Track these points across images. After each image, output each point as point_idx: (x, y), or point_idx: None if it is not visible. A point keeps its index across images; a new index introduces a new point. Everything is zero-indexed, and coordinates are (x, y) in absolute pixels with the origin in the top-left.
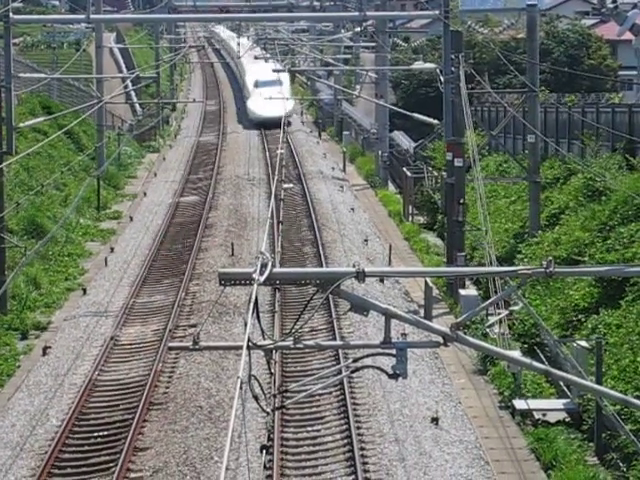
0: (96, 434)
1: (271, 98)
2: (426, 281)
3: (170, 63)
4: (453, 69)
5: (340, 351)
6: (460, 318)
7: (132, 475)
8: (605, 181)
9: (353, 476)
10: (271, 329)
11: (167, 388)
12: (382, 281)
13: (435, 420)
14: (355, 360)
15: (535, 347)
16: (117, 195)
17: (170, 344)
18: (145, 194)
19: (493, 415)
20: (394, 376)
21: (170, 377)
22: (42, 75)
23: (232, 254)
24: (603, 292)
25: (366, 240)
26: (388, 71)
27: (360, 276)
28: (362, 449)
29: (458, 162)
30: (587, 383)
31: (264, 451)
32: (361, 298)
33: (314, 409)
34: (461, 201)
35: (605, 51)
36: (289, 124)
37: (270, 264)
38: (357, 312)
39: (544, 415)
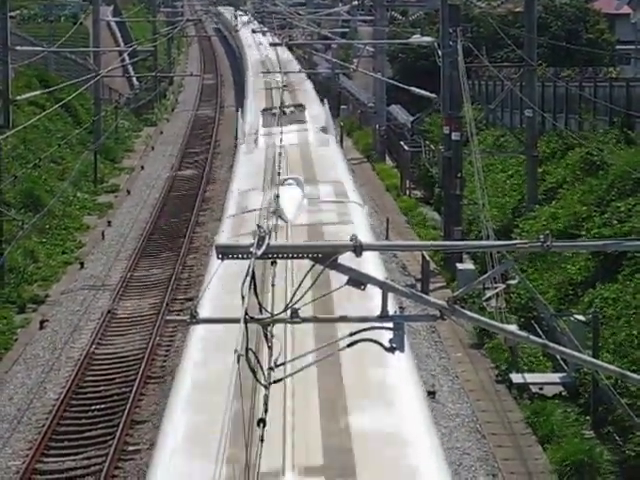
0: (93, 407)
1: None
2: (423, 255)
3: (167, 37)
4: (451, 43)
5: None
6: (457, 292)
7: (130, 448)
8: (602, 155)
9: None
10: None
11: (164, 362)
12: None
13: (432, 394)
14: (352, 333)
15: (532, 321)
16: (114, 168)
17: (167, 317)
18: (142, 167)
19: (490, 389)
20: (391, 350)
21: (167, 350)
22: (39, 48)
23: None
24: (600, 266)
25: None
26: (386, 45)
27: (358, 250)
28: None
29: (455, 136)
30: (584, 357)
31: (261, 424)
32: (358, 272)
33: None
34: (458, 175)
35: (603, 25)
36: None
37: (267, 237)
38: (354, 286)
39: (541, 389)
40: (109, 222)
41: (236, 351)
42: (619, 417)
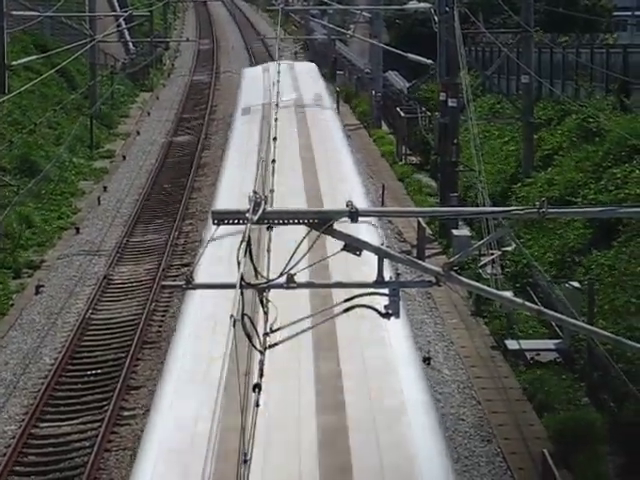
0: (89, 373)
1: None
2: (419, 221)
3: (164, 2)
4: (447, 9)
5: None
6: (453, 258)
7: (125, 413)
8: (599, 122)
9: None
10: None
11: (160, 327)
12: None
13: (427, 360)
14: (347, 299)
15: (528, 288)
16: (110, 134)
17: (163, 283)
18: (138, 133)
19: (485, 355)
20: (386, 316)
21: (163, 316)
22: (35, 13)
23: None
24: (596, 233)
25: None
26: (382, 11)
27: (353, 216)
28: None
29: (452, 102)
30: (579, 323)
31: (256, 390)
32: (354, 238)
33: None
34: (454, 141)
35: None
36: None
37: (263, 203)
38: (350, 252)
39: (536, 355)
40: (105, 187)
41: (232, 316)
42: (614, 383)
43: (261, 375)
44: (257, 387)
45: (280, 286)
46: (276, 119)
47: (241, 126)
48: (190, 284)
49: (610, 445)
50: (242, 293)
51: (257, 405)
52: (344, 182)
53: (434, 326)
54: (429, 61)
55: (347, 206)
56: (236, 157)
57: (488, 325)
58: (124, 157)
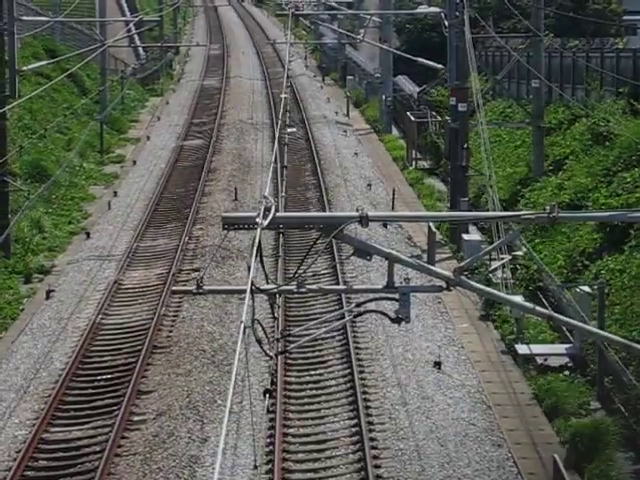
0: (100, 377)
1: None
2: (429, 226)
3: (174, 7)
4: (457, 13)
5: (343, 296)
6: (463, 263)
7: (135, 418)
8: (609, 126)
9: (356, 420)
10: (274, 273)
11: (170, 332)
12: (385, 226)
13: (438, 364)
14: (358, 304)
15: (538, 292)
16: (120, 139)
17: (173, 288)
18: (148, 138)
19: (495, 360)
20: (397, 320)
21: (173, 321)
22: (45, 18)
23: (235, 198)
24: (607, 237)
25: (369, 185)
26: (392, 15)
27: (363, 221)
28: (365, 393)
29: (462, 107)
30: (589, 327)
31: (267, 395)
32: (364, 242)
33: (317, 353)
34: (464, 146)
35: None
36: None
37: (273, 208)
38: (360, 256)
39: (546, 360)
40: (115, 192)
41: (242, 322)
42: (625, 388)
43: (272, 381)
44: (268, 392)
45: (291, 291)
46: None
47: None
48: (200, 289)
49: (623, 451)
50: (253, 298)
51: (267, 411)
52: None
53: (444, 330)
54: (439, 66)
55: (357, 211)
56: None
57: (498, 329)
58: (134, 162)
